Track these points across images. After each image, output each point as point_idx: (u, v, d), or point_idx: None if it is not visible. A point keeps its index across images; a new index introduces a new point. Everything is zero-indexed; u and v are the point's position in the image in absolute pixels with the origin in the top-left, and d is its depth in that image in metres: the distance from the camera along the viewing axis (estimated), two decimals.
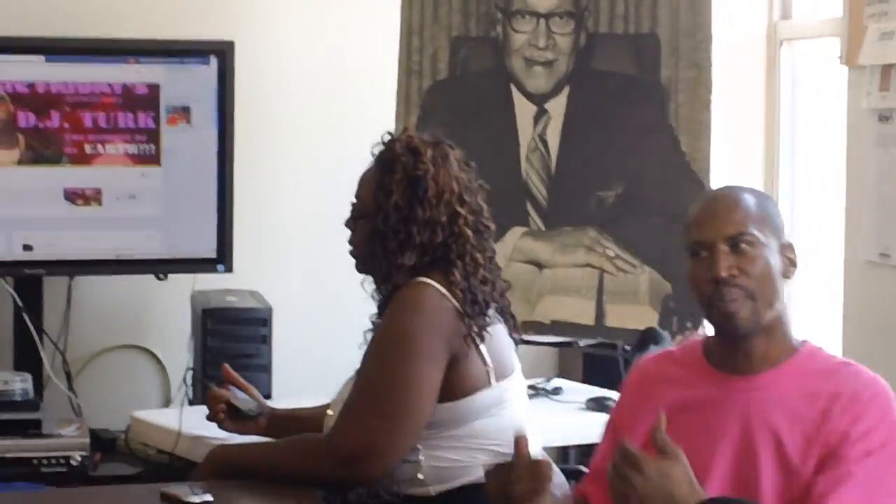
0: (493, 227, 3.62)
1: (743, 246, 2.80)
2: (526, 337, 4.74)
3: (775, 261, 2.84)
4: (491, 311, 3.53)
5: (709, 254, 2.82)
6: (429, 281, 3.45)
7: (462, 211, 3.49)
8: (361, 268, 3.62)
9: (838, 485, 2.66)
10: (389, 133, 3.62)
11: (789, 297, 5.05)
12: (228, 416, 3.76)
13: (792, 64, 5.24)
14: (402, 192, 3.48)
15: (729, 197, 2.92)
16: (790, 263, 2.88)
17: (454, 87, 4.97)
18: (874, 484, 2.69)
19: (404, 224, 3.46)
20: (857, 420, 2.73)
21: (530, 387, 4.37)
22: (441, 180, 3.48)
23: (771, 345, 2.85)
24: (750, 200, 2.88)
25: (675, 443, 2.74)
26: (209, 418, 3.85)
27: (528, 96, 4.92)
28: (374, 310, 3.62)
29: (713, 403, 2.87)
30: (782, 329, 2.88)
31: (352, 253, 3.61)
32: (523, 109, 4.92)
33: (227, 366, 3.92)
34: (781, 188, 5.20)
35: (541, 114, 4.91)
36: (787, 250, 2.88)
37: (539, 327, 4.87)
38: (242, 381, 3.85)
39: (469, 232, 3.49)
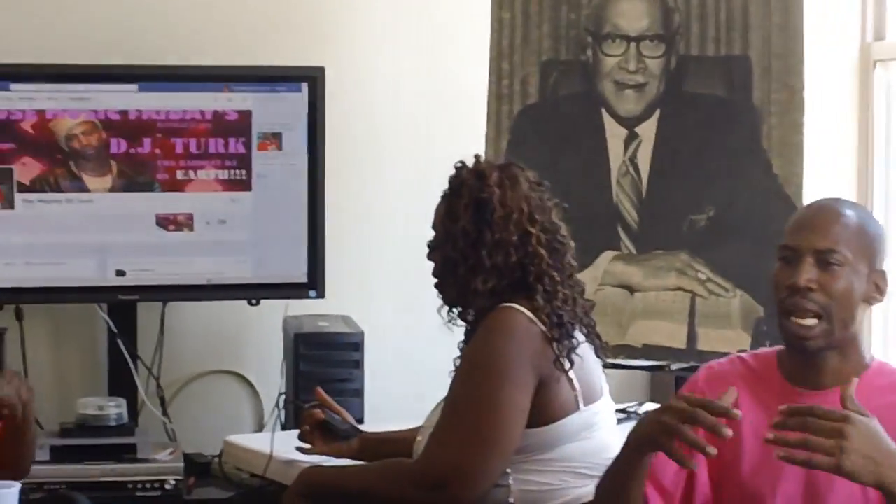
0: (571, 244, 3.61)
1: (830, 263, 2.81)
2: (618, 361, 4.75)
3: (860, 285, 2.85)
4: (577, 333, 3.52)
5: (795, 261, 2.85)
6: (515, 306, 3.45)
7: (533, 230, 3.49)
8: (444, 298, 3.64)
9: None
10: (462, 161, 3.63)
11: (884, 314, 5.10)
12: (321, 436, 3.78)
13: (886, 85, 5.20)
14: (469, 216, 3.50)
15: (832, 211, 2.92)
16: (877, 291, 2.89)
17: (544, 111, 4.94)
18: None
19: (473, 248, 3.48)
20: None
21: (622, 410, 4.39)
22: (508, 201, 3.49)
23: (844, 363, 2.87)
24: (852, 219, 2.89)
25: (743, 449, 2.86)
26: (301, 438, 3.88)
27: (619, 120, 4.89)
28: (463, 336, 3.64)
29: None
30: (857, 348, 2.90)
31: (435, 285, 3.64)
32: (614, 133, 4.89)
33: (319, 389, 3.96)
34: (876, 209, 5.14)
35: (632, 137, 4.88)
36: (877, 277, 2.89)
37: (630, 351, 4.85)
38: (335, 404, 3.88)
39: (543, 251, 3.49)
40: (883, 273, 2.90)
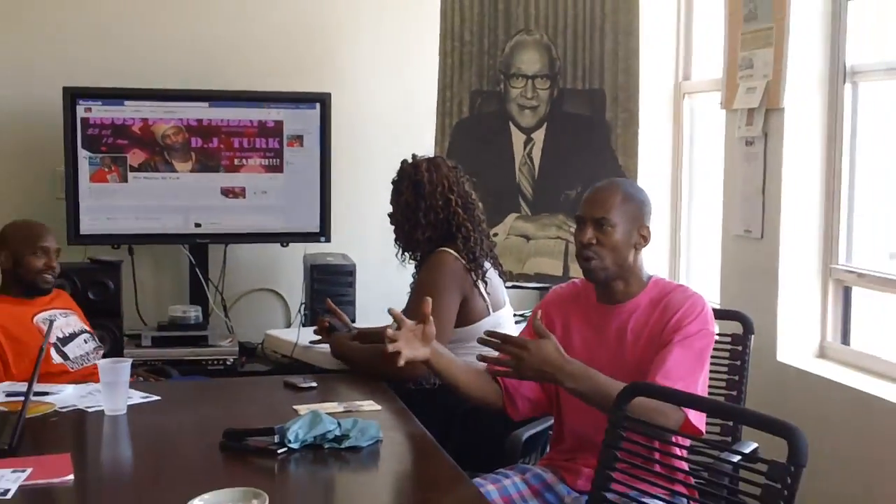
0: (479, 205, 3.65)
1: (603, 226, 2.83)
2: (518, 283, 4.84)
3: (627, 238, 2.84)
4: (486, 263, 3.57)
5: (583, 225, 2.87)
6: (446, 249, 3.52)
7: (452, 197, 3.55)
8: (399, 246, 3.68)
9: (666, 354, 2.71)
10: (404, 159, 3.69)
11: (686, 257, 5.18)
12: (326, 333, 3.85)
13: (690, 109, 5.24)
14: (409, 192, 3.58)
15: (606, 189, 2.90)
16: (641, 238, 2.87)
17: (472, 123, 4.95)
18: (689, 354, 2.73)
19: (413, 213, 3.56)
20: (679, 315, 2.77)
21: (520, 314, 4.43)
22: (434, 180, 3.56)
23: (627, 286, 2.87)
24: (620, 193, 2.87)
25: (572, 345, 2.87)
26: (315, 332, 3.93)
27: (520, 129, 4.91)
28: (414, 269, 3.71)
29: (596, 325, 2.92)
30: (635, 274, 2.88)
31: (395, 241, 3.69)
32: (517, 137, 4.91)
33: (329, 300, 3.98)
34: (683, 188, 5.24)
35: (528, 141, 4.90)
36: (642, 230, 2.87)
37: (527, 277, 4.88)
38: (337, 309, 3.89)
39: (460, 210, 3.55)
40: (647, 227, 2.88)
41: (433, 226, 3.56)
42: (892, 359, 3.85)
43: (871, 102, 4.10)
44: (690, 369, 2.72)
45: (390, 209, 3.68)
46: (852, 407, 3.79)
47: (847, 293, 4.19)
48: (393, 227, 3.67)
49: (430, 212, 3.55)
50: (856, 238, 4.16)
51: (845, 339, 4.21)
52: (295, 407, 3.04)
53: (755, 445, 2.79)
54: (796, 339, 4.20)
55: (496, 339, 2.78)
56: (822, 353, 4.22)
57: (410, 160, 3.67)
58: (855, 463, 3.76)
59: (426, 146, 4.59)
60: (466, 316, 3.51)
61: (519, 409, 3.00)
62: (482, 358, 2.84)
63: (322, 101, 5.02)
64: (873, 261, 4.10)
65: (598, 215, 2.84)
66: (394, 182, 3.65)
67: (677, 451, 2.65)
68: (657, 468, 2.53)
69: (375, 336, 3.79)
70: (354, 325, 4.04)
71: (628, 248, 2.86)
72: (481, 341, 2.84)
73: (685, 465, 2.63)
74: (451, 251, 3.51)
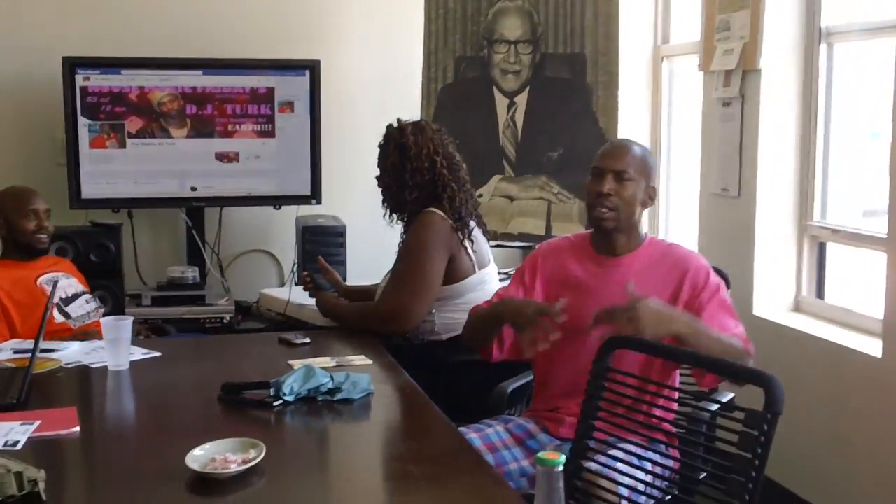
0: (464, 165, 3.63)
1: (623, 179, 2.87)
2: (503, 243, 4.86)
3: (639, 194, 2.89)
4: (472, 223, 3.57)
5: (601, 176, 2.89)
6: (433, 209, 3.51)
7: (437, 158, 3.54)
8: (387, 207, 3.66)
9: (709, 316, 2.73)
10: (390, 123, 3.66)
11: (665, 216, 5.20)
12: (312, 288, 3.83)
13: (669, 71, 5.23)
14: (396, 155, 3.56)
15: (625, 146, 2.96)
16: (649, 198, 2.93)
17: (457, 88, 4.96)
18: (724, 305, 2.80)
19: (400, 174, 3.54)
20: (692, 276, 2.83)
21: (505, 272, 4.40)
22: (420, 142, 3.54)
23: (627, 240, 2.91)
24: (637, 151, 2.93)
25: (571, 290, 2.88)
26: (304, 289, 3.91)
27: (504, 93, 4.91)
28: (402, 229, 3.69)
29: (595, 274, 2.95)
30: (636, 230, 2.94)
31: (383, 202, 3.67)
32: (500, 102, 4.92)
33: (320, 258, 3.96)
34: (662, 149, 5.23)
35: (511, 104, 4.90)
36: (650, 190, 2.93)
37: (511, 237, 4.90)
38: (329, 267, 3.87)
39: (445, 171, 3.54)
40: (654, 188, 2.94)
41: (419, 187, 3.54)
42: (864, 312, 3.88)
43: (845, 63, 4.11)
44: (731, 315, 2.79)
45: (377, 174, 3.66)
46: (826, 359, 3.82)
47: (822, 249, 4.21)
48: (381, 189, 3.66)
49: (416, 173, 3.53)
50: (830, 196, 4.17)
51: (820, 293, 4.24)
52: (289, 362, 3.06)
53: (732, 395, 2.81)
54: (772, 294, 4.23)
55: (604, 316, 2.66)
56: (798, 308, 4.25)
57: (396, 124, 3.65)
58: (828, 412, 3.80)
59: (412, 111, 4.59)
60: (453, 274, 3.51)
61: (501, 353, 2.99)
62: (599, 317, 2.67)
63: (312, 68, 5.01)
64: (847, 218, 4.11)
65: (618, 168, 2.88)
66: (380, 146, 3.63)
67: (661, 401, 2.67)
68: (640, 418, 2.56)
69: (363, 294, 3.84)
70: (344, 282, 4.04)
71: (637, 204, 2.91)
72: (596, 320, 2.68)
73: (666, 415, 2.66)
74: (438, 211, 3.51)
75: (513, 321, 2.84)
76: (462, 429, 2.79)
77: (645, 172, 2.92)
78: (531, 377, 3.24)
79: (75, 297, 3.84)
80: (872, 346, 3.64)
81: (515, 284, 3.05)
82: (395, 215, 3.67)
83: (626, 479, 2.53)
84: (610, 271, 2.92)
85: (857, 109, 4.12)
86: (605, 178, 2.88)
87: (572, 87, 4.81)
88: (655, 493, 2.58)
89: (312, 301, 3.84)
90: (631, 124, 5.10)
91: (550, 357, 2.92)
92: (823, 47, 4.12)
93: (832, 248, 4.20)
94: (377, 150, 3.65)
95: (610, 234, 2.91)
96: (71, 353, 3.23)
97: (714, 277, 2.87)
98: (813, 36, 4.12)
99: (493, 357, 3.01)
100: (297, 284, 4.71)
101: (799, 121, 4.18)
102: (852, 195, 4.20)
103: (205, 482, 2.15)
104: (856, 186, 4.21)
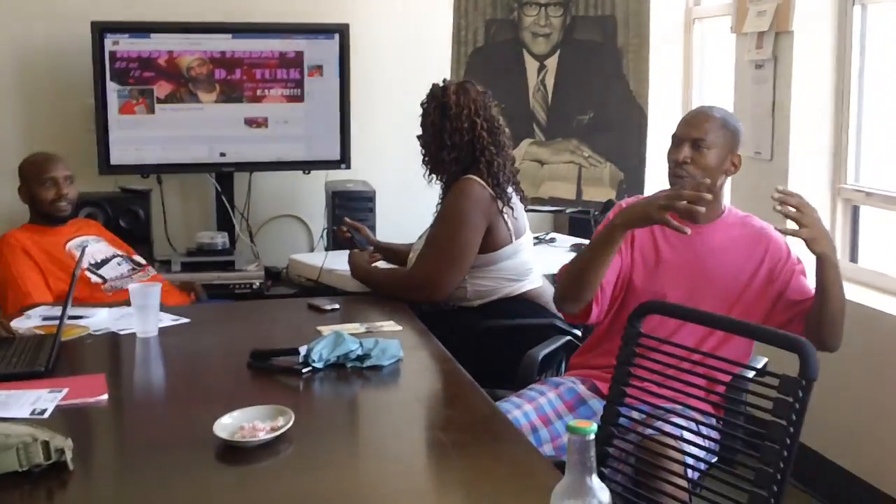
0: (507, 130, 3.56)
1: (700, 147, 2.81)
2: (534, 207, 4.81)
3: (720, 162, 2.83)
4: (509, 189, 3.51)
5: (679, 145, 2.84)
6: (472, 176, 3.45)
7: (478, 120, 3.46)
8: (427, 166, 3.59)
9: (803, 282, 2.80)
10: (435, 83, 3.60)
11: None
12: (348, 242, 3.79)
13: (701, 34, 5.15)
14: (437, 114, 3.49)
15: (706, 113, 2.89)
16: (732, 165, 2.87)
17: (487, 51, 4.92)
18: (803, 277, 2.81)
19: (440, 133, 3.47)
20: (778, 249, 2.84)
21: (536, 237, 4.39)
22: (461, 103, 3.46)
23: (710, 209, 2.75)
24: (717, 119, 2.85)
25: (661, 256, 2.85)
26: (339, 239, 3.88)
27: (534, 56, 4.87)
28: (441, 193, 3.62)
29: (674, 244, 2.88)
30: (719, 200, 2.88)
31: (422, 160, 3.61)
32: (531, 65, 4.88)
33: (346, 218, 3.91)
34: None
35: (542, 68, 4.86)
36: (734, 158, 2.86)
37: (541, 202, 4.87)
38: (359, 225, 3.83)
39: (484, 133, 3.46)
40: (738, 156, 2.87)
41: (458, 147, 3.47)
42: None
43: (880, 24, 4.02)
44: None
45: (418, 133, 3.61)
46: (861, 323, 3.71)
47: (855, 212, 4.15)
48: (421, 150, 3.60)
49: (455, 133, 3.46)
50: (863, 158, 4.11)
51: (853, 257, 4.17)
52: (319, 328, 3.03)
53: (766, 360, 2.76)
54: (805, 259, 4.13)
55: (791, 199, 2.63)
56: None
57: (439, 84, 3.59)
58: (863, 377, 3.74)
59: (442, 76, 4.52)
60: (490, 243, 3.46)
61: (599, 311, 2.89)
62: (784, 197, 2.61)
63: (341, 32, 4.96)
64: (881, 180, 4.04)
65: (696, 136, 2.83)
66: (422, 104, 3.58)
67: (701, 369, 2.61)
68: (676, 384, 2.50)
69: (397, 253, 3.82)
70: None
71: (719, 172, 2.85)
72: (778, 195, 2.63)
73: (711, 385, 2.59)
74: (478, 179, 3.44)
75: (647, 213, 2.66)
76: (514, 398, 2.78)
77: (727, 140, 2.86)
78: (561, 342, 3.21)
79: (106, 260, 3.86)
80: None
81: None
82: (434, 176, 3.61)
83: (687, 447, 2.49)
84: (693, 240, 2.82)
85: (891, 71, 4.03)
86: (683, 147, 2.84)
87: (603, 49, 4.76)
88: (707, 458, 2.55)
89: (343, 266, 3.81)
90: (662, 87, 5.05)
91: (619, 315, 2.87)
92: (857, 8, 4.04)
93: (866, 211, 4.13)
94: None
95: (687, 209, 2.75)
96: (99, 319, 3.20)
97: (795, 251, 2.85)
98: None
99: (593, 316, 2.89)
100: (327, 249, 4.71)
101: (832, 83, 4.10)
102: (886, 158, 4.12)
103: (233, 450, 2.12)
104: (889, 149, 4.13)
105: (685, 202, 2.59)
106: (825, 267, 2.64)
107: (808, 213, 2.61)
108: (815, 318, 2.72)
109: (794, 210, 2.60)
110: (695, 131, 2.84)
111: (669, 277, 2.82)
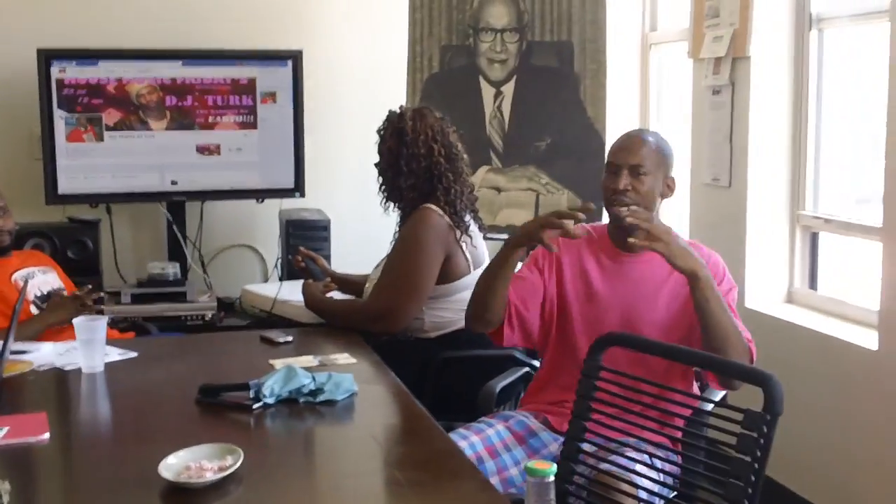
0: (465, 157, 3.54)
1: (639, 174, 2.78)
2: (491, 235, 4.77)
3: (657, 187, 2.81)
4: (467, 217, 3.48)
5: (617, 173, 2.79)
6: (430, 205, 3.42)
7: (435, 146, 3.43)
8: (384, 194, 3.56)
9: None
10: (391, 109, 3.58)
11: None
12: (303, 271, 3.75)
13: (658, 60, 5.17)
14: (393, 140, 3.46)
15: (639, 138, 2.85)
16: (667, 188, 2.85)
17: (443, 77, 4.89)
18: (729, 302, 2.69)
19: (396, 160, 3.44)
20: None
21: None
22: (418, 128, 3.44)
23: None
24: (652, 143, 2.83)
25: (591, 286, 2.82)
26: (295, 266, 3.82)
27: (490, 83, 4.84)
28: (398, 222, 3.59)
29: (612, 270, 2.86)
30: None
31: (379, 189, 3.57)
32: (487, 91, 4.84)
33: (301, 248, 3.86)
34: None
35: (498, 94, 4.83)
36: (668, 181, 2.85)
37: (499, 229, 4.79)
38: (314, 254, 3.81)
39: (442, 160, 3.44)
40: (672, 178, 2.85)
41: (415, 174, 3.43)
42: (858, 303, 3.81)
43: (836, 49, 4.04)
44: (738, 318, 2.70)
45: (375, 160, 3.57)
46: (821, 351, 3.75)
47: (814, 239, 4.14)
48: (378, 177, 3.56)
49: (412, 160, 3.43)
50: (822, 184, 4.11)
51: (813, 284, 4.17)
52: (271, 361, 2.98)
53: (723, 393, 2.72)
54: (765, 286, 4.15)
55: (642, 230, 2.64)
56: (791, 299, 4.18)
57: (396, 110, 3.56)
58: (823, 406, 3.72)
59: (397, 102, 4.51)
60: (448, 273, 3.43)
61: (513, 334, 2.87)
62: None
63: (294, 58, 4.93)
64: (840, 207, 4.05)
65: (633, 162, 2.79)
66: (379, 131, 3.55)
67: (661, 403, 2.56)
68: (633, 418, 2.47)
69: (352, 284, 3.78)
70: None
71: (656, 197, 2.83)
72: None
73: (668, 418, 2.56)
74: (436, 208, 3.41)
75: (528, 231, 2.70)
76: (462, 430, 2.73)
77: (662, 164, 2.83)
78: (519, 374, 3.18)
79: (51, 294, 3.74)
80: (868, 338, 3.56)
81: (529, 269, 2.93)
82: (390, 204, 3.58)
83: (641, 481, 2.44)
84: (629, 267, 2.83)
85: (849, 96, 4.04)
86: (621, 175, 2.79)
87: (560, 75, 4.74)
88: (663, 493, 2.50)
89: (297, 297, 3.75)
90: (619, 113, 5.04)
91: (561, 348, 2.85)
92: (814, 33, 4.05)
93: (825, 238, 4.12)
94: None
95: (629, 230, 2.75)
96: (43, 354, 3.13)
97: (728, 283, 2.80)
98: (803, 22, 4.05)
99: (505, 338, 2.87)
100: (281, 280, 4.66)
101: (790, 108, 4.11)
102: (844, 184, 4.13)
103: (179, 492, 2.05)
104: (848, 175, 4.14)
105: (562, 219, 2.61)
106: (697, 287, 2.58)
107: (661, 229, 2.61)
108: (705, 343, 2.64)
109: (645, 222, 2.60)
110: (632, 158, 2.80)
111: (603, 307, 2.79)
